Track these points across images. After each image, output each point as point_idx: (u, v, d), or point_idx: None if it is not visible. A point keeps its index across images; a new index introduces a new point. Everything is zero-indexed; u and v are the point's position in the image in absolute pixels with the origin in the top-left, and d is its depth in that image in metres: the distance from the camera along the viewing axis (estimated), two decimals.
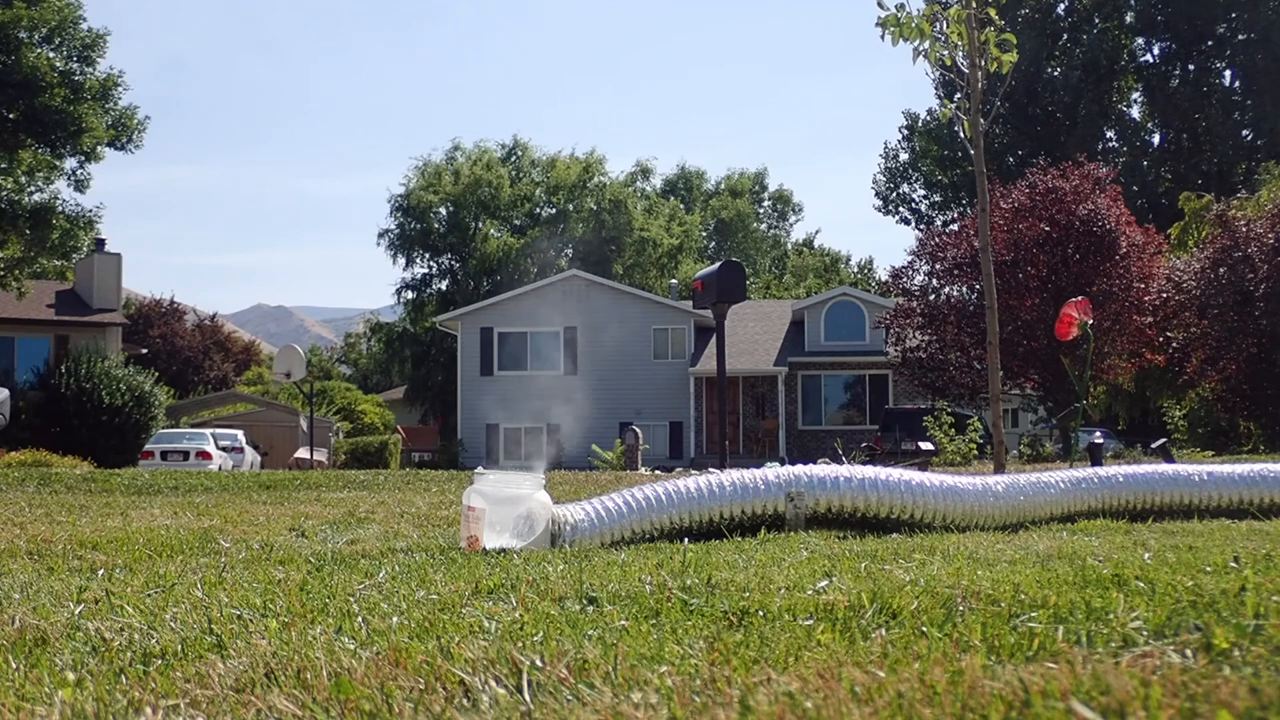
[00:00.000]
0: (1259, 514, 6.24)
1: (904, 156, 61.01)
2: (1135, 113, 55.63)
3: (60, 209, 26.77)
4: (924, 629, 2.48)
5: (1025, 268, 26.06)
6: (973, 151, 9.41)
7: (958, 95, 9.44)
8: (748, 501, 5.45)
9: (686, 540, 5.03)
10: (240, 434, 31.93)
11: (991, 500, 5.76)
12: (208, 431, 30.84)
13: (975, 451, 19.33)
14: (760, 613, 2.74)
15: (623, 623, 2.65)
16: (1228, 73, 53.18)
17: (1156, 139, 54.57)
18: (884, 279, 37.39)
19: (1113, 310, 25.00)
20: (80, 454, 23.38)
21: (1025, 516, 5.93)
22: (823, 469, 5.67)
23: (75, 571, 4.15)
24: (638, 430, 23.46)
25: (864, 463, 11.77)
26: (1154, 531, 5.70)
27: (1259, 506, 6.29)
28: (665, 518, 5.29)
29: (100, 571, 4.07)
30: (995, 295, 9.69)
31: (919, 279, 28.93)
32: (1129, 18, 53.80)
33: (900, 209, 61.56)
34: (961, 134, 9.58)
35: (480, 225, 55.58)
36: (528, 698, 1.97)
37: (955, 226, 33.48)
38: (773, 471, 5.63)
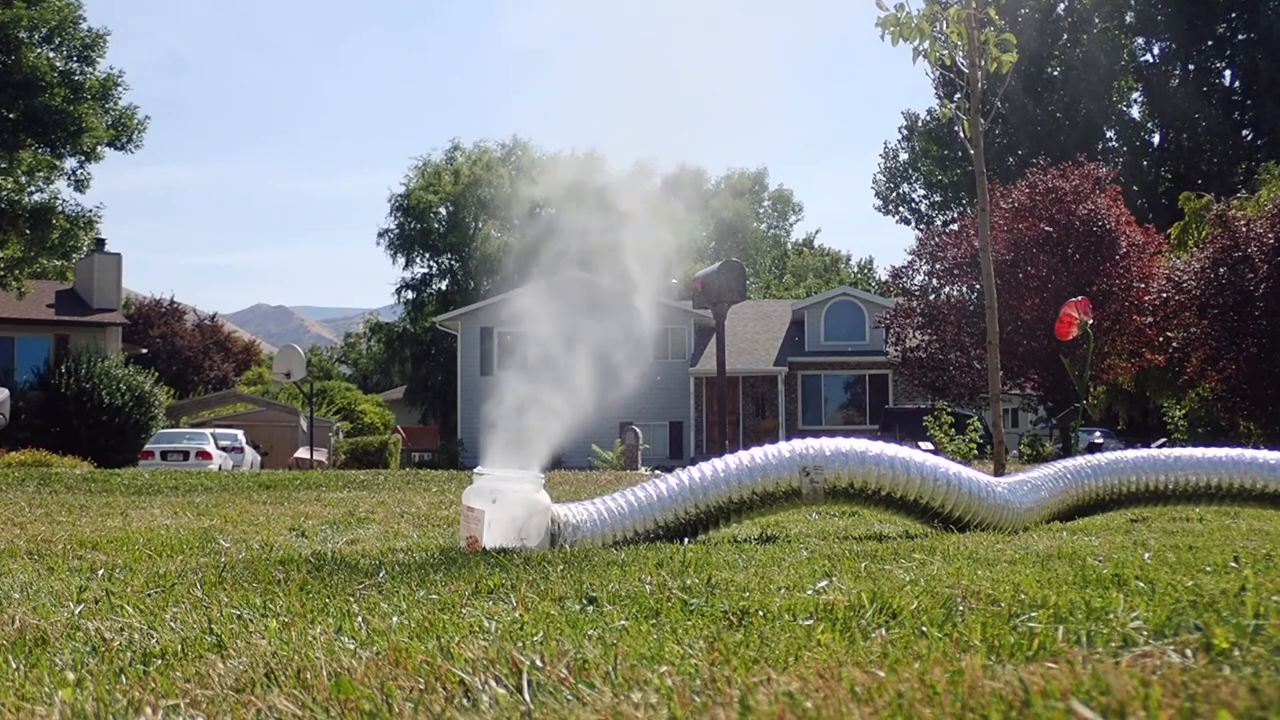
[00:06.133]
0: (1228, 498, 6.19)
1: (904, 156, 61.05)
2: (1135, 112, 55.66)
3: (60, 209, 26.76)
4: (924, 629, 2.48)
5: (1025, 267, 26.07)
6: (972, 151, 9.41)
7: (958, 95, 9.44)
8: (757, 482, 5.10)
9: (686, 540, 5.02)
10: (240, 434, 31.89)
11: (1017, 502, 5.60)
12: (208, 431, 30.80)
13: (975, 451, 19.31)
14: (760, 613, 2.74)
15: (623, 623, 2.65)
16: (1228, 73, 53.21)
17: (1156, 139, 54.58)
18: (884, 279, 37.44)
19: (1113, 310, 25.01)
20: (80, 454, 23.37)
21: (1049, 513, 5.87)
22: (846, 441, 5.31)
23: (75, 571, 4.15)
24: (638, 430, 23.47)
25: None
26: (1154, 531, 5.70)
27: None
28: (670, 513, 5.10)
29: (100, 571, 4.07)
30: (995, 295, 9.68)
31: (919, 279, 28.96)
32: (1129, 17, 53.81)
33: (900, 209, 61.60)
34: (961, 134, 9.58)
35: (480, 225, 55.56)
36: (528, 698, 1.97)
37: (955, 226, 33.50)
38: (787, 445, 5.25)
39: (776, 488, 5.15)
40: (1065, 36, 53.27)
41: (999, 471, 8.37)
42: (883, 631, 2.48)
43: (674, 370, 37.67)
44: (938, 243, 28.60)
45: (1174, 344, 25.94)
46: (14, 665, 2.35)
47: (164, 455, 27.46)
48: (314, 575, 3.77)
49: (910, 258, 29.16)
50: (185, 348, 54.87)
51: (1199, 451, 6.32)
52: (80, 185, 27.05)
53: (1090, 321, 14.95)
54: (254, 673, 2.19)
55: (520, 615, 2.81)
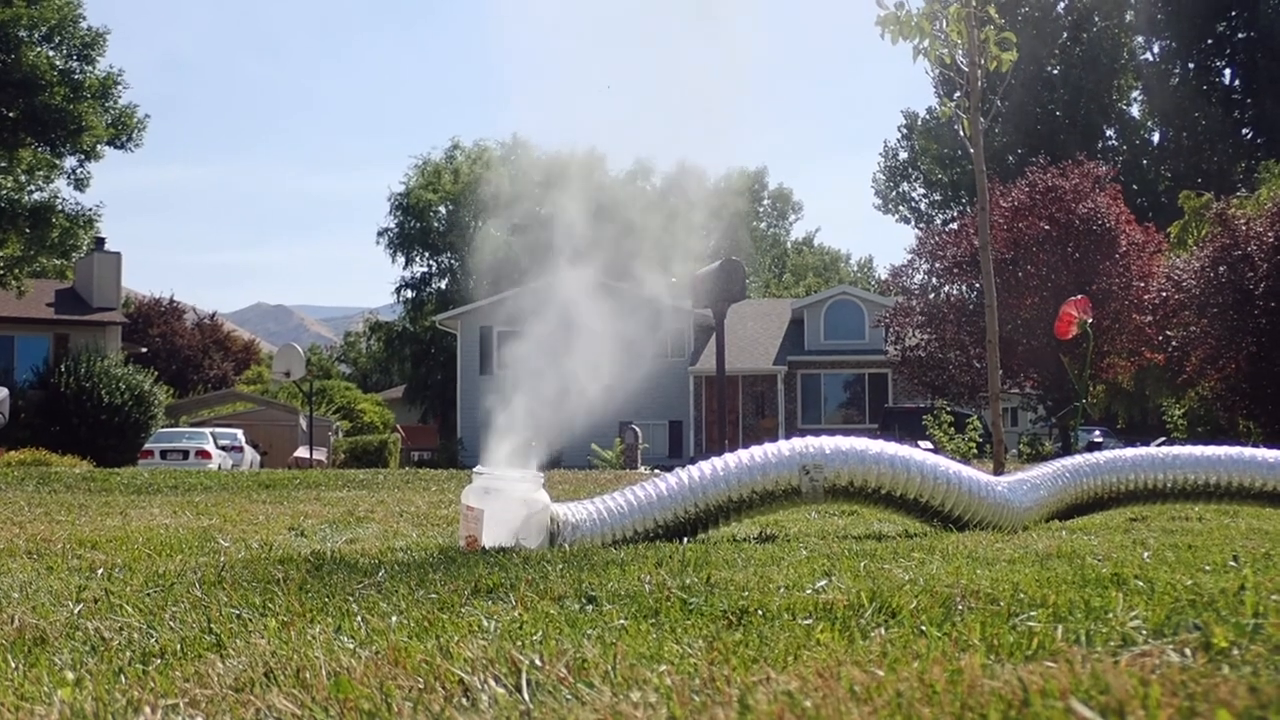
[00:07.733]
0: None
1: (903, 155, 61.04)
2: (1135, 111, 55.67)
3: (60, 208, 26.78)
4: (923, 628, 2.48)
5: (1025, 266, 26.08)
6: (972, 150, 9.41)
7: (957, 94, 9.44)
8: (757, 480, 5.10)
9: (686, 539, 5.02)
10: (240, 433, 31.89)
11: (1016, 501, 5.60)
12: (207, 430, 30.79)
13: (974, 450, 19.31)
14: (759, 612, 2.73)
15: (622, 622, 2.65)
16: (1227, 71, 53.21)
17: (1156, 137, 54.59)
18: (884, 278, 37.44)
19: (1112, 309, 25.02)
20: (80, 453, 23.36)
21: (1048, 512, 5.86)
22: (846, 440, 5.32)
23: (74, 571, 4.15)
24: (637, 429, 23.46)
25: None
26: (1153, 530, 5.70)
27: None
28: (669, 512, 5.09)
29: (99, 571, 4.07)
30: (995, 294, 9.69)
31: (918, 278, 28.98)
32: (1129, 16, 53.82)
33: (900, 208, 61.60)
34: (961, 132, 9.58)
35: (480, 224, 55.52)
36: (527, 697, 1.97)
37: (955, 225, 33.51)
38: (787, 444, 5.24)
39: (776, 486, 5.14)
40: (1065, 35, 53.27)
41: (998, 470, 8.37)
42: (882, 631, 2.48)
43: (673, 369, 37.65)
44: (937, 241, 28.60)
45: (1173, 343, 25.94)
46: (13, 665, 2.35)
47: (163, 454, 27.44)
48: (313, 575, 3.77)
49: (910, 257, 29.19)
50: (185, 347, 54.84)
51: (1198, 450, 6.32)
52: (80, 184, 27.09)
53: (1090, 320, 14.96)
54: (253, 672, 2.19)
55: (519, 614, 2.81)
